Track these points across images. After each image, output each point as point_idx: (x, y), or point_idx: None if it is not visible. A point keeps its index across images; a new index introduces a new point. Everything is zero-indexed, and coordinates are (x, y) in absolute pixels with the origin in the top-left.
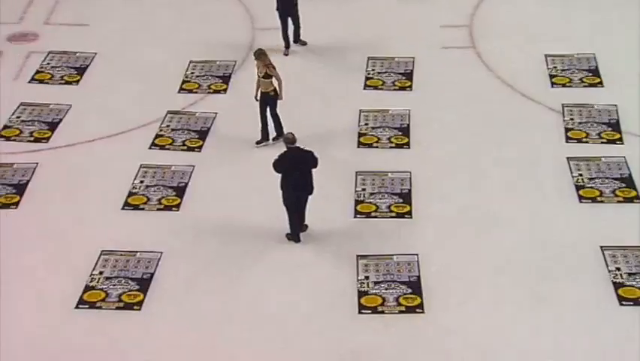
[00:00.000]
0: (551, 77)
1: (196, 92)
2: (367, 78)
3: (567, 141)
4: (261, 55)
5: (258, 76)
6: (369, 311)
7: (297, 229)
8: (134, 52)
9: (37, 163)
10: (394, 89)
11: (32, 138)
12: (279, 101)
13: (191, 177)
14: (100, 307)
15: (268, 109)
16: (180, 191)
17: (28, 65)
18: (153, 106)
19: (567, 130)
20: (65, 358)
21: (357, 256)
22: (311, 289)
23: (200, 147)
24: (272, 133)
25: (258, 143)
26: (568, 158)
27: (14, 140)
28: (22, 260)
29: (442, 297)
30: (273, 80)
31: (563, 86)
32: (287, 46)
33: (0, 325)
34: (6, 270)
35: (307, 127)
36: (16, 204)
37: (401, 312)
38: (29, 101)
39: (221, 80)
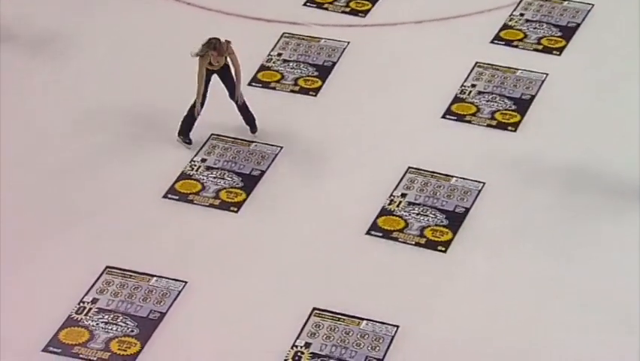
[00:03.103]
0: None
1: None
2: None
3: None
4: (222, 46)
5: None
6: None
7: None
8: None
9: (348, 42)
10: None
11: (348, 9)
12: None
13: (540, 89)
14: (396, 239)
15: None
16: (523, 106)
17: None
18: None
19: None
20: (358, 281)
21: None
22: None
23: (560, 50)
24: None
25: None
26: None
27: (327, 8)
28: (311, 166)
29: None
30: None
31: None
32: None
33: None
34: (293, 176)
35: None
36: (316, 90)
37: None
38: None
39: None
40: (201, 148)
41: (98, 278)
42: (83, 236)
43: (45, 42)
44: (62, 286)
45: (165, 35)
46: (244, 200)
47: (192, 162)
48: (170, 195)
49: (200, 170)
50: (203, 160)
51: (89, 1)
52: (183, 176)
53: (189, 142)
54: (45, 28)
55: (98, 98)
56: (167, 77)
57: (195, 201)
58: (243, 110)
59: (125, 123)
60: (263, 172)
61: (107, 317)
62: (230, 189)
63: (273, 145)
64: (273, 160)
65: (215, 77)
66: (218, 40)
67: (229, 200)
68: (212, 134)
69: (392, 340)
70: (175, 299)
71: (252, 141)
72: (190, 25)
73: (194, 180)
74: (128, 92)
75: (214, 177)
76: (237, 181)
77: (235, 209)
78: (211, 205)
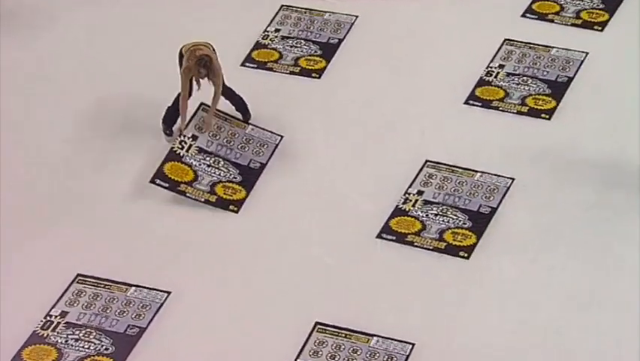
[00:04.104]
0: None
1: None
2: None
3: None
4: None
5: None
6: None
7: None
8: None
9: (356, 16)
10: None
11: None
12: None
13: (579, 70)
14: (412, 243)
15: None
16: (558, 90)
17: None
18: None
19: None
20: (367, 292)
21: None
22: None
23: (602, 25)
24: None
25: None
26: None
27: None
28: (314, 159)
29: None
30: None
31: None
32: None
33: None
34: (293, 171)
35: None
36: (319, 72)
37: None
38: None
39: None
40: (190, 121)
41: (68, 288)
42: (50, 240)
43: (16, 17)
44: (26, 298)
45: (150, 9)
46: (245, 198)
47: (182, 141)
48: (158, 181)
49: (191, 151)
50: (194, 137)
51: None
52: (172, 156)
53: (170, 133)
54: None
55: (70, 83)
56: (150, 59)
57: (188, 194)
58: (230, 95)
59: (101, 112)
60: (263, 165)
61: (77, 332)
62: (227, 184)
63: (271, 133)
64: (273, 152)
65: None
66: (210, 58)
67: (227, 197)
68: (202, 104)
69: (407, 360)
70: (156, 312)
71: (250, 124)
72: None
73: (185, 164)
74: (106, 75)
75: (208, 166)
76: (235, 174)
77: (235, 208)
78: (207, 201)
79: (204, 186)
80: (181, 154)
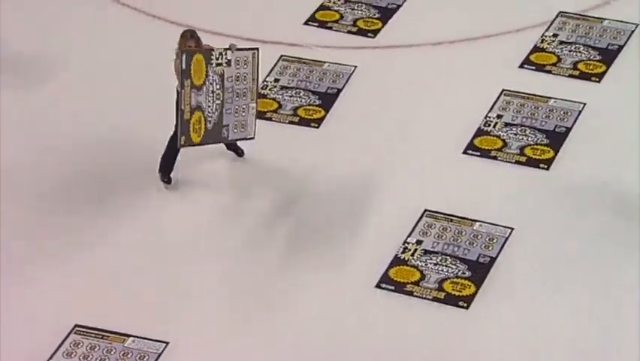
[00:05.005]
0: None
1: None
2: None
3: None
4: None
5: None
6: None
7: None
8: None
9: (355, 67)
10: None
11: (355, 29)
12: None
13: (577, 121)
14: (411, 293)
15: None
16: (557, 140)
17: None
18: (538, 3)
19: None
20: (366, 342)
21: None
22: None
23: (599, 76)
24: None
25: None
26: None
27: (331, 28)
28: (312, 207)
29: None
30: None
31: None
32: None
33: None
34: (290, 219)
35: None
36: (318, 121)
37: None
38: None
39: None
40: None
41: (65, 339)
42: (48, 288)
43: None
44: (23, 349)
45: (151, 59)
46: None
47: (221, 53)
48: (184, 78)
49: (217, 69)
50: (229, 63)
51: (66, 19)
52: (208, 58)
53: (168, 181)
54: (18, 50)
55: (69, 129)
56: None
57: (181, 101)
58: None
59: (99, 158)
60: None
61: None
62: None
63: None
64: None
65: None
66: (194, 31)
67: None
68: (257, 48)
69: None
70: None
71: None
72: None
73: (207, 74)
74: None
75: (212, 94)
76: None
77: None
78: (186, 120)
79: (193, 102)
80: (212, 62)
